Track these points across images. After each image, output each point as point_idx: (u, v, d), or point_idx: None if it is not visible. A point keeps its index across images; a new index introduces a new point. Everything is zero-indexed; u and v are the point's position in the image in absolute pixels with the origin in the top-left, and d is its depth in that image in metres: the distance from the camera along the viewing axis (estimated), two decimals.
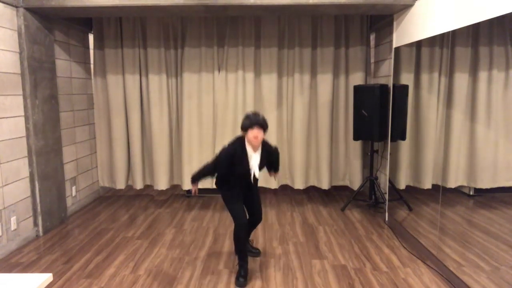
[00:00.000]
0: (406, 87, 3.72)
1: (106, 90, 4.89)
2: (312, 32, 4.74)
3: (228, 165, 2.78)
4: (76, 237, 3.80)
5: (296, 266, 3.15)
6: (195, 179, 2.96)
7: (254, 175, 2.86)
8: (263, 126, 2.70)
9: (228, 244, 3.58)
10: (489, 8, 2.38)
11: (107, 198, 5.14)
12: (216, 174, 2.97)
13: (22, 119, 3.63)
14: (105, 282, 2.91)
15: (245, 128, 2.71)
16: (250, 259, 3.24)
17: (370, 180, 4.49)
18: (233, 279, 2.93)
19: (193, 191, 3.04)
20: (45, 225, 3.87)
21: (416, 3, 3.48)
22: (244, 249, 2.93)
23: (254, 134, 2.67)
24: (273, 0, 3.52)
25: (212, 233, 3.87)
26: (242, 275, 2.88)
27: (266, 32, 4.71)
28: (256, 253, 3.33)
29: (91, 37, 5.01)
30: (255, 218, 3.10)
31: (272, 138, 4.82)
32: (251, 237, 3.49)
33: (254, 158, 2.79)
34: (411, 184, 3.69)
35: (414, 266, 3.12)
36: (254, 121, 2.66)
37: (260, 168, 2.89)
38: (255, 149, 2.79)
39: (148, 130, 4.93)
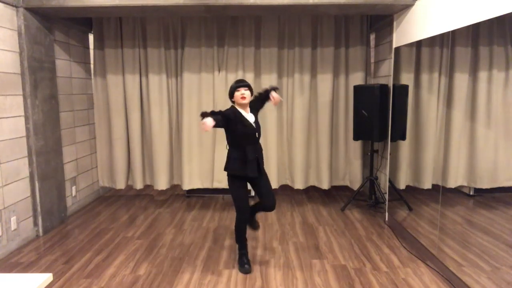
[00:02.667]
0: (406, 87, 3.72)
1: (106, 90, 4.88)
2: (312, 32, 4.74)
3: (228, 118, 2.76)
4: (76, 237, 3.80)
5: (296, 266, 3.15)
6: (210, 115, 2.68)
7: (258, 133, 2.93)
8: (248, 86, 2.88)
9: (228, 244, 3.59)
10: (489, 8, 2.38)
11: (107, 198, 5.14)
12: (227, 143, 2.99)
13: (22, 119, 3.63)
14: (105, 282, 2.91)
15: (231, 92, 2.89)
16: (250, 257, 3.23)
17: (370, 180, 4.49)
18: (233, 279, 2.93)
19: (209, 124, 2.57)
20: (45, 225, 3.87)
21: (416, 3, 3.48)
22: (244, 239, 3.09)
23: (241, 93, 2.83)
24: (273, 0, 3.52)
25: (212, 233, 3.87)
26: (246, 262, 3.04)
27: (266, 32, 4.70)
28: (254, 226, 3.29)
29: (91, 37, 5.01)
30: (267, 207, 3.06)
31: (272, 138, 4.82)
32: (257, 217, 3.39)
33: (250, 117, 2.93)
34: (411, 184, 3.69)
35: (414, 266, 3.12)
36: (239, 83, 2.87)
37: (258, 127, 2.95)
38: (246, 110, 2.93)
39: (148, 130, 4.93)
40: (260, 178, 3.02)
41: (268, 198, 3.03)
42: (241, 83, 2.88)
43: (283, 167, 5.01)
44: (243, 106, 2.91)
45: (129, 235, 3.82)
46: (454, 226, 2.92)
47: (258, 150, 2.99)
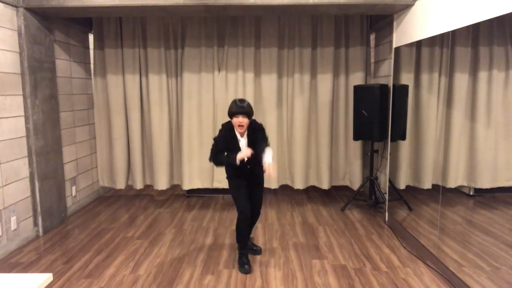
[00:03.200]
0: (406, 87, 3.72)
1: (106, 90, 4.88)
2: (312, 32, 4.74)
3: (223, 148, 2.88)
4: (76, 237, 3.80)
5: (296, 266, 3.15)
6: (227, 160, 2.90)
7: (249, 159, 2.86)
8: (247, 113, 2.81)
9: (228, 244, 3.58)
10: (489, 8, 2.38)
11: (107, 198, 5.14)
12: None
13: (22, 119, 3.63)
14: (105, 282, 2.91)
15: (229, 115, 2.86)
16: (250, 257, 3.24)
17: (370, 180, 4.49)
18: (233, 279, 2.93)
19: (248, 154, 2.79)
20: (45, 225, 3.87)
21: (416, 3, 3.48)
22: (245, 239, 3.12)
23: (239, 121, 2.81)
24: (273, 0, 3.52)
25: (212, 233, 3.87)
26: (246, 262, 3.05)
27: (266, 32, 4.70)
28: (257, 250, 3.37)
29: (91, 37, 5.01)
30: (254, 212, 3.16)
31: (272, 138, 4.82)
32: (251, 235, 3.51)
33: (242, 142, 2.92)
34: (411, 184, 3.69)
35: (414, 266, 3.12)
36: (238, 109, 2.79)
37: (255, 148, 2.85)
38: (241, 134, 2.93)
39: (148, 130, 4.93)
40: (254, 185, 3.08)
41: (257, 205, 3.15)
42: (240, 110, 2.79)
43: (283, 167, 5.00)
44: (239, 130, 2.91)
45: (129, 235, 3.82)
46: (454, 226, 2.92)
47: (252, 161, 2.90)
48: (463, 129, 2.80)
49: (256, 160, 2.97)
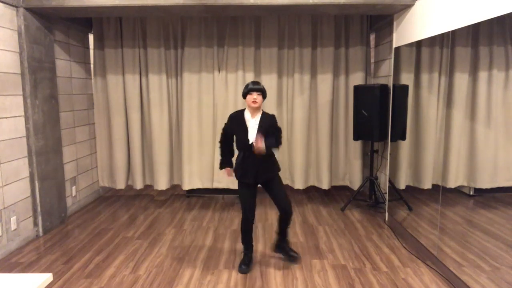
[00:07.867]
0: (406, 87, 3.72)
1: (106, 90, 4.88)
2: (312, 32, 4.74)
3: (230, 134, 3.03)
4: (76, 237, 3.80)
5: (296, 266, 3.15)
6: (221, 162, 3.15)
7: (257, 145, 2.85)
8: (262, 91, 2.90)
9: (228, 244, 3.58)
10: (489, 8, 2.38)
11: (107, 198, 5.14)
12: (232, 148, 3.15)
13: (22, 119, 3.63)
14: (105, 282, 2.91)
15: (244, 94, 2.93)
16: (254, 257, 3.24)
17: (370, 180, 4.49)
18: (233, 279, 2.93)
19: (227, 174, 3.12)
20: (45, 225, 3.87)
21: (416, 3, 3.48)
22: (248, 239, 3.11)
23: (253, 98, 2.87)
24: (273, 0, 3.52)
25: (212, 233, 3.87)
26: (246, 262, 3.07)
27: (266, 32, 4.70)
28: (292, 257, 3.17)
29: (91, 37, 5.01)
30: (282, 210, 3.05)
31: None
32: (287, 237, 3.29)
33: (252, 123, 2.92)
34: (411, 184, 3.69)
35: (414, 266, 3.12)
36: (253, 87, 2.90)
37: (264, 135, 2.88)
38: (253, 114, 2.94)
39: (148, 130, 4.93)
40: (267, 184, 3.05)
41: (280, 201, 3.03)
42: (255, 87, 2.89)
43: (283, 167, 4.99)
44: (253, 109, 2.92)
45: (129, 235, 3.82)
46: (454, 226, 2.92)
47: (257, 157, 2.89)
48: (463, 129, 2.80)
49: (264, 160, 2.96)
